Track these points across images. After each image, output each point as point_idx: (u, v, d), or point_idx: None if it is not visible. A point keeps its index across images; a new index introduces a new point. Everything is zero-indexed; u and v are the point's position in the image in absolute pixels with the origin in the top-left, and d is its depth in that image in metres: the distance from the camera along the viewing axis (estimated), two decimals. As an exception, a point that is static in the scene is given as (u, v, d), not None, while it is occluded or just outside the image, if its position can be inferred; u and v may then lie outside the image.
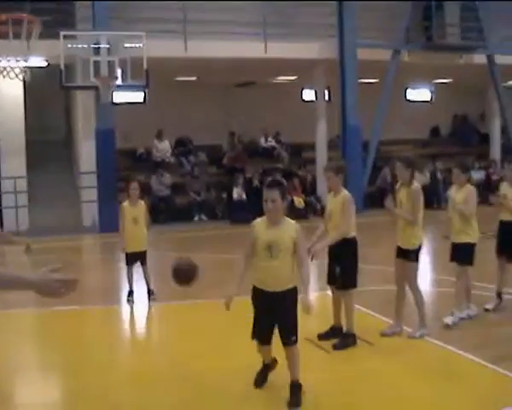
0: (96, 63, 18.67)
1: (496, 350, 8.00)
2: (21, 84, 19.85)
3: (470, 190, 9.16)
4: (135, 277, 11.13)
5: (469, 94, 30.39)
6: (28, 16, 16.43)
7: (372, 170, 24.18)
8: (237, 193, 22.42)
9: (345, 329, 8.43)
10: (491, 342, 8.43)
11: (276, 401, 6.48)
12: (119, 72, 18.91)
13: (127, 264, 11.08)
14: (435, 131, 31.88)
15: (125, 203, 11.09)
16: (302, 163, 25.60)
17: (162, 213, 21.58)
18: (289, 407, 6.34)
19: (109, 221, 19.50)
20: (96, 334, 9.97)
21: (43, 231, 19.54)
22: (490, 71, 26.07)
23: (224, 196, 23.09)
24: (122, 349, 9.14)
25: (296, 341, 6.44)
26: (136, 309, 10.97)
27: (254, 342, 6.63)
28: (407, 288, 8.79)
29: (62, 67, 18.47)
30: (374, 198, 22.33)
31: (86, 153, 21.44)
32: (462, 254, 9.12)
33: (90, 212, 21.37)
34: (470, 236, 9.09)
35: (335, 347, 8.18)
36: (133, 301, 11.04)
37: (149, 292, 11.17)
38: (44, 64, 19.85)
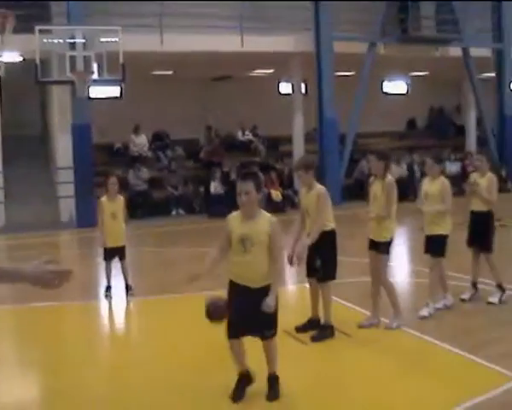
0: (72, 58, 18.55)
1: (472, 340, 8.09)
2: (-4, 79, 19.72)
3: (444, 183, 9.20)
4: (112, 272, 11.12)
5: (445, 86, 30.60)
6: (2, 11, 16.28)
7: (349, 162, 24.25)
8: (215, 187, 22.41)
9: (323, 321, 8.48)
10: (467, 332, 8.51)
11: (256, 394, 6.51)
12: (95, 66, 18.80)
13: (105, 259, 11.06)
14: (412, 124, 32.08)
15: (104, 198, 11.05)
16: (279, 156, 25.63)
17: (139, 207, 21.52)
18: (268, 400, 6.37)
19: (86, 216, 19.48)
20: (74, 330, 9.96)
21: (19, 227, 19.45)
22: (465, 63, 26.24)
23: (202, 190, 23.07)
24: (100, 345, 9.12)
25: (274, 335, 6.39)
26: (114, 304, 10.94)
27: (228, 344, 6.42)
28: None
29: (38, 61, 18.32)
30: (351, 190, 22.42)
31: (63, 148, 21.32)
32: (434, 246, 9.20)
33: (67, 207, 21.27)
34: (443, 227, 9.15)
35: (313, 339, 8.23)
36: (111, 297, 11.02)
37: (127, 287, 11.16)
38: (20, 59, 19.73)
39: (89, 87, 19.17)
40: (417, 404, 6.36)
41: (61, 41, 18.61)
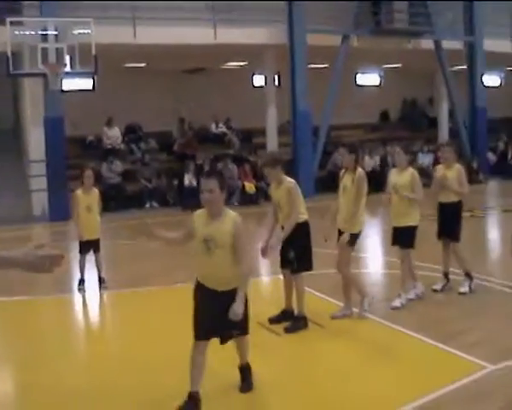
0: (44, 50, 18.41)
1: (443, 329, 8.18)
2: (-33, 72, 19.53)
3: (414, 174, 9.25)
4: (86, 265, 11.08)
5: (418, 79, 30.79)
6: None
7: (322, 155, 24.33)
8: (188, 179, 22.38)
9: (296, 312, 8.52)
10: (438, 322, 8.60)
11: (231, 385, 6.54)
12: (67, 58, 18.68)
13: (81, 252, 11.00)
14: (385, 116, 32.25)
15: (79, 191, 11.01)
16: (253, 149, 25.62)
17: (113, 200, 21.44)
18: (241, 392, 6.40)
19: (59, 210, 19.41)
20: (47, 323, 9.92)
21: (-9, 221, 19.32)
22: (437, 56, 26.44)
23: (176, 182, 23.02)
24: (74, 338, 9.08)
25: (244, 333, 6.27)
26: (88, 298, 10.91)
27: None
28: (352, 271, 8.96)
29: (9, 54, 18.14)
30: (324, 182, 22.48)
31: (35, 141, 21.16)
32: (404, 238, 9.25)
33: (39, 201, 21.12)
34: (412, 218, 9.22)
35: (287, 330, 8.27)
36: (84, 290, 10.99)
37: (100, 280, 11.14)
38: (-10, 51, 19.56)
39: (61, 80, 19.05)
40: (388, 394, 6.41)
41: (32, 33, 18.47)
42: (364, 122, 30.09)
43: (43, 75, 18.70)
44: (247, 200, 22.56)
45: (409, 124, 31.31)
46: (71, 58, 18.70)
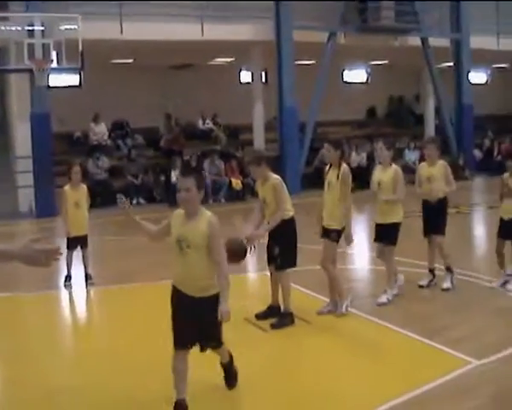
0: (30, 46, 18.30)
1: (429, 325, 8.23)
2: (-48, 67, 19.45)
3: (397, 171, 9.28)
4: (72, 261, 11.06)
5: (405, 75, 30.87)
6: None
7: (309, 151, 24.33)
8: (175, 176, 22.27)
9: (282, 308, 8.55)
10: (424, 318, 8.65)
11: (215, 383, 6.56)
12: (53, 54, 18.61)
13: (68, 248, 10.98)
14: (371, 112, 32.32)
15: (67, 187, 11.00)
16: (240, 145, 25.57)
17: (99, 196, 21.37)
18: (228, 388, 6.40)
19: (46, 206, 19.37)
20: (33, 320, 9.90)
21: (-23, 217, 19.24)
22: (424, 53, 26.50)
23: (162, 178, 22.98)
24: (60, 335, 9.08)
25: (219, 346, 6.15)
26: (74, 294, 10.90)
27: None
28: (338, 267, 9.00)
29: (-5, 49, 18.13)
30: (311, 179, 22.50)
31: (22, 137, 21.05)
32: (388, 235, 9.28)
33: (26, 197, 21.03)
34: (396, 216, 9.26)
35: (273, 326, 8.30)
36: (71, 286, 10.98)
37: (87, 276, 11.13)
38: (-24, 47, 19.48)
39: (48, 75, 18.99)
40: (373, 389, 6.45)
41: (19, 28, 18.37)
42: (351, 119, 30.14)
43: (30, 71, 18.61)
44: (233, 196, 22.59)
45: (395, 120, 31.42)
46: (57, 54, 18.61)
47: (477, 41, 26.98)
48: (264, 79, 25.27)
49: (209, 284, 5.76)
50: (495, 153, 28.69)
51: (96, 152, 23.00)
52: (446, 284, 9.77)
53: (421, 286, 9.98)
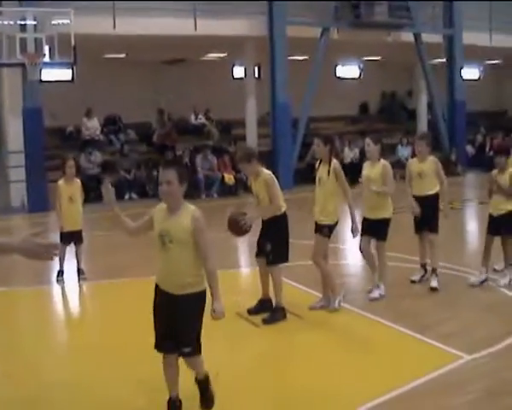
0: (23, 40, 18.24)
1: (420, 320, 8.26)
2: None
3: (386, 167, 9.26)
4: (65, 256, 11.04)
5: (397, 71, 30.91)
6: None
7: (302, 146, 24.33)
8: (168, 171, 22.30)
9: (274, 303, 8.55)
10: (416, 313, 8.67)
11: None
12: (46, 49, 18.55)
13: (62, 242, 10.93)
14: (364, 108, 32.36)
15: (61, 182, 10.97)
16: (232, 140, 25.55)
17: (92, 191, 21.32)
18: (201, 408, 5.89)
19: (38, 201, 19.33)
20: (25, 315, 9.91)
21: (-31, 212, 19.20)
22: (417, 49, 26.54)
23: (155, 173, 22.91)
24: (53, 329, 9.08)
25: (193, 354, 5.63)
26: (67, 289, 10.89)
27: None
28: (330, 262, 9.02)
29: (-13, 44, 18.04)
30: (303, 174, 22.49)
31: (14, 132, 21.01)
32: (379, 230, 9.28)
33: (18, 192, 20.99)
34: (386, 211, 9.26)
35: (265, 321, 8.30)
36: (63, 281, 10.96)
37: (79, 271, 11.11)
38: (-32, 41, 19.39)
39: (40, 70, 18.94)
40: (365, 384, 6.46)
41: (11, 23, 18.29)
42: (344, 114, 30.17)
43: (22, 65, 18.55)
44: (226, 191, 22.60)
45: (388, 116, 31.47)
46: (50, 48, 18.55)
47: (470, 37, 27.00)
48: (256, 75, 25.25)
49: (192, 281, 5.50)
50: (487, 149, 28.73)
51: (88, 147, 22.95)
52: (434, 283, 9.68)
53: (413, 281, 10.01)
